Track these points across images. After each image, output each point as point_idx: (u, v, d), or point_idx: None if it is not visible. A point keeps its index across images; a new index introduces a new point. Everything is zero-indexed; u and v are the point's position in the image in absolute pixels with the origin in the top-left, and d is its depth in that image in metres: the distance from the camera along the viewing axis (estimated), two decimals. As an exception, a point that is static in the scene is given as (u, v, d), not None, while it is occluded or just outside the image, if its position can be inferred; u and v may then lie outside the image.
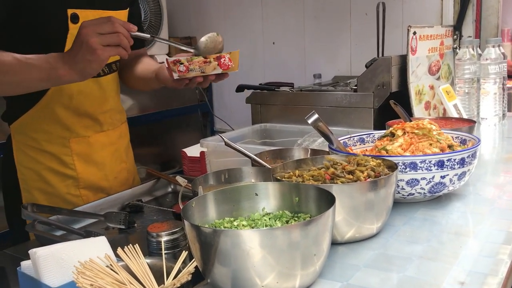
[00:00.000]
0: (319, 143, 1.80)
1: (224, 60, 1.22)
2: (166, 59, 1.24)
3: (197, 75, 1.23)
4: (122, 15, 1.53)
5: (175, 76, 1.23)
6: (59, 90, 1.41)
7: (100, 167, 1.54)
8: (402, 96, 1.90)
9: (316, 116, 1.16)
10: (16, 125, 1.46)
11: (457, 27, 2.33)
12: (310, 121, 1.16)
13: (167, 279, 0.87)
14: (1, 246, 1.47)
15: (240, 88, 2.45)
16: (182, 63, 1.22)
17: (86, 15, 1.39)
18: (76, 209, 1.38)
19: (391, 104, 1.45)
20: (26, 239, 1.42)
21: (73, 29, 1.36)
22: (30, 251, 0.91)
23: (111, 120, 1.57)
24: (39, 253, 0.90)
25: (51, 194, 1.47)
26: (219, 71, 1.24)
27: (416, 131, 1.22)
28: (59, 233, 1.32)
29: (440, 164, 1.10)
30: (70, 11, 1.35)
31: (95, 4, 1.41)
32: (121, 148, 1.64)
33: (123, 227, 1.31)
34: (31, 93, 1.39)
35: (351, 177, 1.00)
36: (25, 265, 0.94)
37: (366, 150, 1.34)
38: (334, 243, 0.96)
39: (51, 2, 1.34)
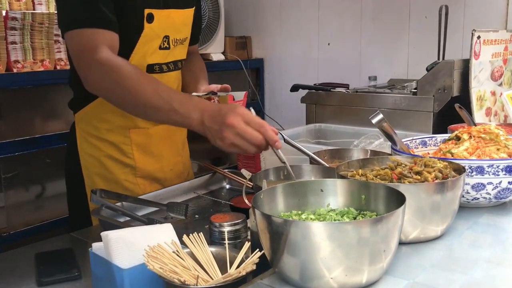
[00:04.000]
0: (376, 145, 1.79)
1: (213, 101, 1.48)
2: None
3: None
4: (189, 13, 1.56)
5: None
6: None
7: (158, 159, 1.58)
8: (462, 101, 1.85)
9: (381, 116, 1.16)
10: (80, 114, 1.52)
11: (522, 33, 2.26)
12: (374, 121, 1.16)
13: (230, 267, 0.89)
14: (61, 230, 1.54)
15: (295, 88, 2.46)
16: None
17: (160, 15, 1.42)
18: (140, 197, 1.43)
19: (456, 108, 1.42)
20: (86, 224, 1.48)
21: (147, 28, 1.40)
22: (102, 234, 0.95)
23: None
24: (111, 235, 0.93)
25: (111, 181, 1.52)
26: None
27: (483, 135, 1.19)
28: (122, 219, 1.37)
29: (509, 170, 1.07)
30: (146, 11, 1.39)
31: (169, 4, 1.45)
32: (179, 141, 1.68)
33: (183, 217, 1.35)
34: None
35: (419, 177, 0.99)
36: (96, 246, 0.97)
37: (428, 153, 1.32)
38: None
39: (131, 0, 1.38)
